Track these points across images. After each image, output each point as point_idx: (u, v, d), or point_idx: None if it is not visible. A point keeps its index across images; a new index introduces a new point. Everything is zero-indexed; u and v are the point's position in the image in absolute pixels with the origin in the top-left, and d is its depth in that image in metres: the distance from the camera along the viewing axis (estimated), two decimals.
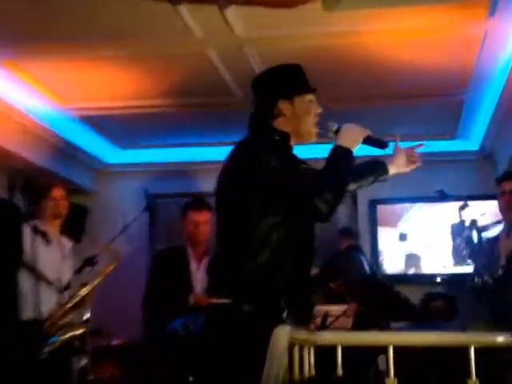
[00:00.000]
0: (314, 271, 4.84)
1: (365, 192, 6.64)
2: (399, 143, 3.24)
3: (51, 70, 4.91)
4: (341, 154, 2.78)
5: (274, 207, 2.72)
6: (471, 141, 6.48)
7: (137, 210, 5.89)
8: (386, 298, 4.23)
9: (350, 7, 3.27)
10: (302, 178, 2.77)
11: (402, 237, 6.67)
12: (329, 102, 5.37)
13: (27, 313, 4.32)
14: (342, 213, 6.93)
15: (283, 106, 2.89)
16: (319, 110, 2.95)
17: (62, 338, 4.33)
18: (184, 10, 3.94)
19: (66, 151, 6.35)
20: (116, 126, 6.15)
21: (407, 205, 6.71)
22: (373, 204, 6.73)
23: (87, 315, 4.44)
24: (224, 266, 2.85)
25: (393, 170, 3.20)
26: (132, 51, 4.58)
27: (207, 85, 5.11)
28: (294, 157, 2.92)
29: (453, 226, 5.79)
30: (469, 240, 4.61)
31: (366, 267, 5.64)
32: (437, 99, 5.47)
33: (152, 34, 4.32)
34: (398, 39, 4.40)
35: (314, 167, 2.94)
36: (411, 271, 6.59)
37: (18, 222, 2.24)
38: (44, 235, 4.58)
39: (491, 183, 6.43)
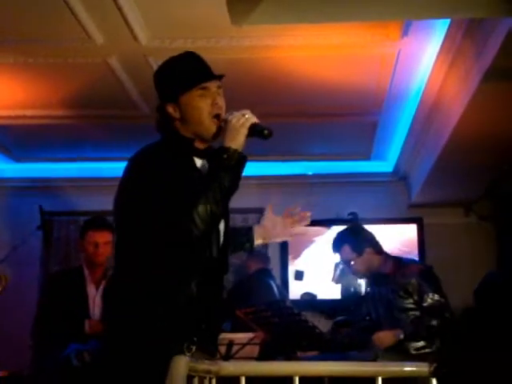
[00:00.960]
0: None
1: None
2: (269, 212, 3.14)
3: None
4: (221, 160, 2.62)
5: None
6: (386, 162, 6.62)
7: (30, 229, 5.78)
8: (294, 326, 4.25)
9: (259, 22, 3.28)
10: (175, 199, 2.57)
11: (298, 275, 6.74)
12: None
13: None
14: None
15: (170, 109, 2.73)
16: (217, 102, 2.74)
17: None
18: (83, 13, 3.87)
19: None
20: (8, 137, 6.00)
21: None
22: None
23: None
24: (116, 291, 2.76)
25: (259, 241, 3.10)
26: (26, 58, 4.48)
27: (109, 96, 5.05)
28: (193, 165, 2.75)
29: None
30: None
31: (276, 292, 5.67)
32: (351, 118, 5.57)
33: (47, 38, 4.23)
34: (310, 55, 4.47)
35: None
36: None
37: None
38: None
39: (404, 206, 6.65)
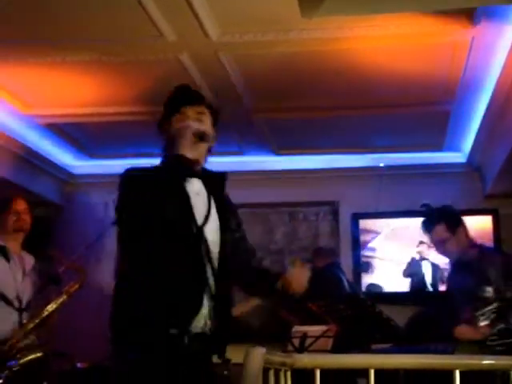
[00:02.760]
0: (252, 303, 4.88)
1: (347, 204, 6.71)
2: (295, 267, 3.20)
3: (14, 75, 4.90)
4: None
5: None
6: (459, 153, 6.52)
7: (105, 224, 5.88)
8: (368, 318, 4.22)
9: (330, 13, 3.28)
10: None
11: (365, 266, 6.71)
12: (307, 111, 5.48)
13: None
14: (322, 228, 6.96)
15: (164, 135, 2.94)
16: (192, 126, 2.82)
17: (22, 361, 4.28)
18: (155, 11, 3.94)
19: (29, 161, 6.30)
20: (83, 134, 6.13)
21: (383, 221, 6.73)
22: (355, 218, 6.73)
23: (48, 337, 4.40)
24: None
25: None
26: (100, 56, 4.58)
27: None
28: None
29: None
30: None
31: (346, 285, 5.66)
32: (423, 109, 5.49)
33: (121, 38, 4.33)
34: (380, 46, 4.43)
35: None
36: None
37: None
38: (4, 251, 4.54)
39: (478, 197, 6.54)
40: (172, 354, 2.73)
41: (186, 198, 2.79)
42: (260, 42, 4.31)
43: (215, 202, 2.89)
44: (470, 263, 4.39)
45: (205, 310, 2.79)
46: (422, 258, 6.50)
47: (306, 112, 5.46)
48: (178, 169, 2.80)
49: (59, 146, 6.40)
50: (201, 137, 2.80)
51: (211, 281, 2.80)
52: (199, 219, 2.79)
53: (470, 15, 3.99)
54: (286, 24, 4.12)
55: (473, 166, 6.59)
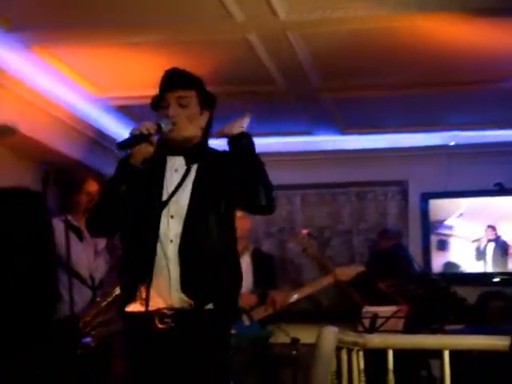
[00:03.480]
0: (360, 269, 4.82)
1: (416, 184, 6.62)
2: None
3: (85, 57, 4.95)
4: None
5: None
6: None
7: None
8: (441, 298, 4.16)
9: None
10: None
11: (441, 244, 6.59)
12: (376, 89, 5.40)
13: (60, 311, 4.35)
14: (391, 208, 6.89)
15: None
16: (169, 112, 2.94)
17: (96, 338, 4.35)
18: None
19: (100, 143, 6.38)
20: (153, 116, 6.15)
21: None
22: (425, 198, 6.63)
23: None
24: None
25: None
26: (168, 37, 4.59)
27: (248, 73, 5.10)
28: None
29: None
30: None
31: (415, 265, 5.60)
32: (497, 85, 5.35)
33: (190, 19, 4.32)
34: (453, 20, 4.31)
35: None
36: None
37: (48, 215, 2.24)
38: (77, 231, 4.61)
39: None
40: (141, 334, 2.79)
41: (160, 175, 2.88)
42: (328, 19, 4.25)
43: (197, 176, 2.89)
44: None
45: (162, 284, 2.79)
46: (489, 240, 6.36)
47: (374, 90, 5.38)
48: (160, 148, 2.90)
49: (129, 127, 6.43)
50: (173, 122, 2.88)
51: (171, 254, 2.80)
52: (165, 195, 2.84)
53: None
54: (355, 1, 4.05)
55: None
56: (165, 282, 2.77)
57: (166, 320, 2.75)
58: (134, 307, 2.79)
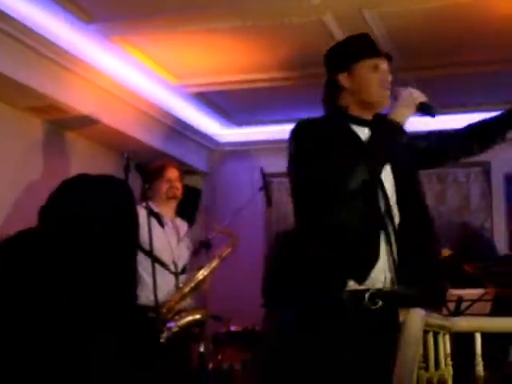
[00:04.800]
0: (447, 252, 4.72)
1: (500, 165, 6.44)
2: None
3: (162, 46, 4.99)
4: (387, 131, 2.76)
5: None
6: None
7: (253, 191, 5.93)
8: None
9: None
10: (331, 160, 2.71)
11: None
12: (458, 67, 5.26)
13: (144, 297, 4.40)
14: (473, 189, 6.74)
15: (342, 78, 2.85)
16: (387, 78, 2.84)
17: (180, 323, 4.38)
18: None
19: (178, 131, 6.44)
20: (230, 102, 6.18)
21: None
22: (509, 179, 6.46)
23: (205, 300, 4.49)
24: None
25: None
26: (244, 22, 4.58)
27: (323, 55, 5.03)
28: (349, 131, 2.85)
29: None
30: None
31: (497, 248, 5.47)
32: None
33: (265, 3, 4.30)
34: None
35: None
36: None
37: (133, 202, 2.26)
38: (158, 217, 4.65)
39: None
40: (349, 314, 2.68)
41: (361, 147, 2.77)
42: None
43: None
44: None
45: (382, 262, 2.73)
46: None
47: (456, 68, 5.25)
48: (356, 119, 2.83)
49: (207, 114, 6.49)
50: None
51: (390, 231, 2.76)
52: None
53: None
54: None
55: None
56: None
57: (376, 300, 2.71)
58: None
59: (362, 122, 2.85)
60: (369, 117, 2.86)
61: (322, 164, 2.71)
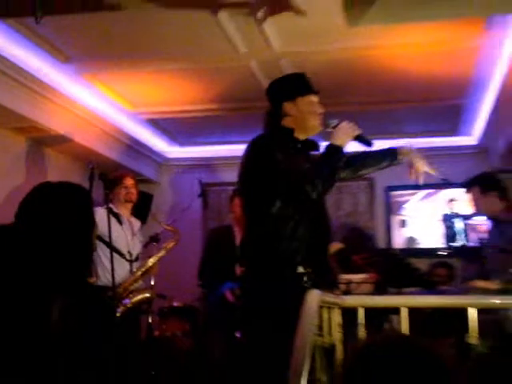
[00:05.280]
0: (339, 246, 4.79)
1: (381, 180, 6.58)
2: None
3: (122, 81, 4.92)
4: (332, 151, 2.81)
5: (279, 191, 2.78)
6: (471, 137, 6.31)
7: (192, 197, 5.92)
8: (400, 268, 4.14)
9: (371, 23, 3.16)
10: (296, 168, 2.78)
11: (402, 223, 6.54)
12: (348, 106, 5.35)
13: (104, 279, 4.34)
14: (361, 198, 6.85)
15: (288, 106, 2.89)
16: (321, 110, 2.92)
17: (133, 300, 4.34)
18: (231, 29, 3.89)
19: (135, 148, 6.36)
20: (175, 127, 6.14)
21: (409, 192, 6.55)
22: (387, 191, 6.60)
23: (152, 282, 4.44)
24: (252, 242, 2.90)
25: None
26: (187, 65, 4.56)
27: (249, 92, 5.04)
28: (298, 148, 2.91)
29: (444, 216, 6.01)
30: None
31: (377, 243, 5.58)
32: (442, 102, 5.31)
33: (204, 51, 4.29)
34: (407, 52, 4.29)
35: (314, 156, 2.95)
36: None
37: (87, 200, 2.21)
38: (117, 216, 4.60)
39: None
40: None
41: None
42: (313, 51, 4.22)
43: None
44: (503, 222, 4.16)
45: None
46: (454, 214, 6.22)
47: (351, 106, 5.31)
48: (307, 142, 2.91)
49: (156, 136, 6.43)
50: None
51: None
52: None
53: (481, 23, 3.82)
54: (333, 36, 4.01)
55: (481, 147, 6.37)
56: None
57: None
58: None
59: (304, 143, 2.92)
60: (304, 138, 2.93)
61: (288, 176, 2.74)
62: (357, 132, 2.84)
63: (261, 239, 2.83)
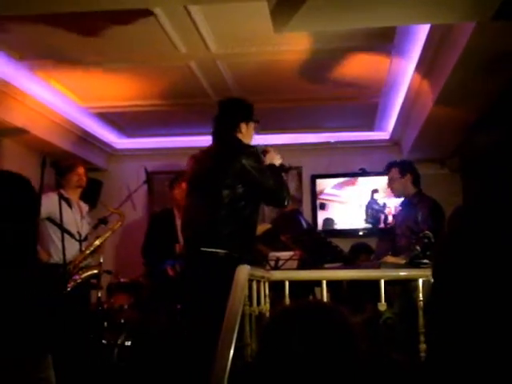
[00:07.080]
0: (268, 226, 4.83)
1: (308, 169, 6.67)
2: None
3: (73, 78, 4.79)
4: (274, 168, 3.44)
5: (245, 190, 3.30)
6: (385, 132, 6.46)
7: (138, 183, 5.85)
8: (322, 246, 4.21)
9: (296, 29, 3.18)
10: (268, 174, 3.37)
11: (322, 206, 6.64)
12: (278, 102, 5.37)
13: (56, 257, 4.25)
14: (291, 185, 6.92)
15: (243, 126, 3.41)
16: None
17: (82, 276, 4.27)
18: (171, 31, 3.84)
19: (86, 139, 6.21)
20: (123, 120, 6.02)
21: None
22: (313, 178, 6.70)
23: (101, 260, 4.38)
24: (200, 227, 3.28)
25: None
26: (132, 64, 4.48)
27: (189, 89, 5.01)
28: None
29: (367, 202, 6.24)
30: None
31: (304, 224, 5.62)
32: (359, 101, 5.40)
33: (147, 51, 4.23)
34: (326, 56, 4.32)
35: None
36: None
37: (27, 186, 2.14)
38: (67, 201, 4.51)
39: None
40: None
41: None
42: (246, 53, 4.22)
43: None
44: (412, 203, 4.32)
45: None
46: (374, 200, 6.37)
47: (274, 103, 5.34)
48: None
49: (106, 128, 6.29)
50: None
51: None
52: None
53: (391, 33, 3.91)
54: (263, 39, 4.01)
55: (394, 141, 6.54)
56: None
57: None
58: None
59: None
60: None
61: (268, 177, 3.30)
62: (280, 160, 3.48)
63: (210, 223, 3.22)
